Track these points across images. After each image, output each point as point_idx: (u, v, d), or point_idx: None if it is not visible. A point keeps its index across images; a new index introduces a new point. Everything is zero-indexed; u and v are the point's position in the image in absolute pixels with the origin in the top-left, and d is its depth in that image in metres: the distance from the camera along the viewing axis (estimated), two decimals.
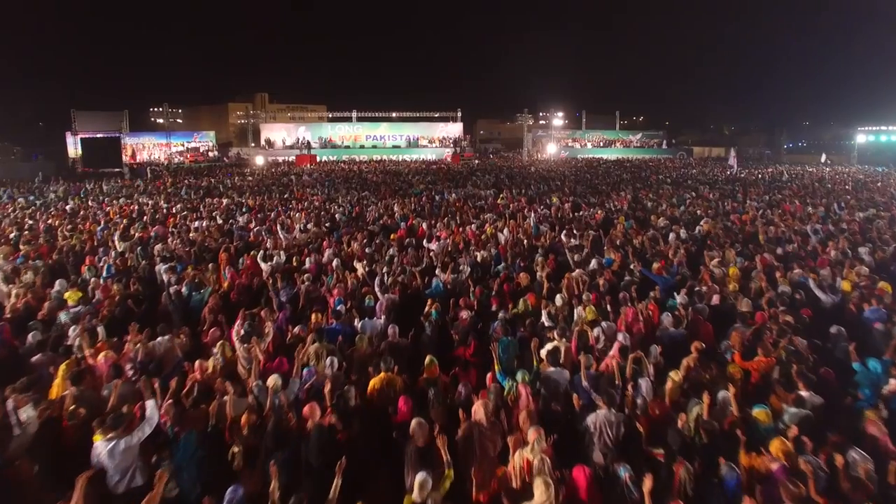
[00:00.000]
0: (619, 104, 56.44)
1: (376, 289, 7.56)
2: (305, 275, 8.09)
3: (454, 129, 50.47)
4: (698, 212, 15.67)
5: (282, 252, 9.62)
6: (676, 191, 21.55)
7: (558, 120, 52.45)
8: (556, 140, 50.78)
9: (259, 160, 41.22)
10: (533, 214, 12.98)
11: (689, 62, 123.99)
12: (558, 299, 7.23)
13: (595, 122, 55.64)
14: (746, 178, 28.05)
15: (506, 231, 11.93)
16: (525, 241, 11.06)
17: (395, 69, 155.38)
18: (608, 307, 7.02)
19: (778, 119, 74.24)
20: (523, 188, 21.57)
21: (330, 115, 54.86)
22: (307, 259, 9.43)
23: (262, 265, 9.17)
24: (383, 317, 6.67)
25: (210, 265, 9.28)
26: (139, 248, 10.51)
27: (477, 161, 42.99)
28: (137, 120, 52.82)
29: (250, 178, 27.94)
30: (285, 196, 19.13)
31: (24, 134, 38.57)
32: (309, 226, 12.76)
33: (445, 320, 6.80)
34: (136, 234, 11.93)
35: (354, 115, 49.32)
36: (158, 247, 10.60)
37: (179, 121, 56.39)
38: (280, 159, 43.15)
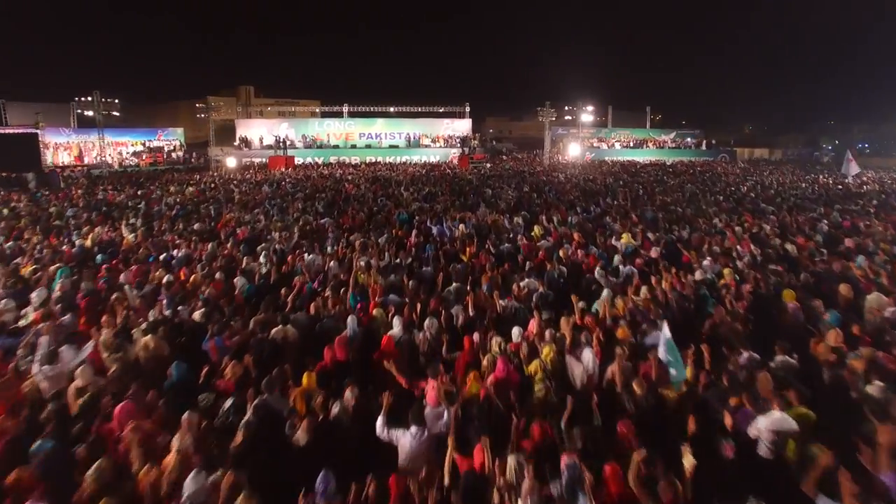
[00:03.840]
0: (637, 101, 49.02)
1: None
2: None
3: (461, 125, 43.14)
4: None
5: None
6: (788, 213, 14.44)
7: (587, 115, 44.38)
8: (579, 139, 43.47)
9: (231, 162, 34.53)
10: (659, 325, 5.62)
11: (703, 59, 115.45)
12: None
13: (619, 119, 48.20)
14: (836, 188, 20.72)
15: (589, 353, 4.98)
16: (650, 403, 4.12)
17: (396, 62, 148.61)
18: None
19: (800, 117, 67.66)
20: (565, 209, 14.46)
21: (321, 111, 47.60)
22: None
23: None
24: None
25: None
26: None
27: (489, 164, 35.80)
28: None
29: (192, 187, 21.03)
30: (195, 226, 12.04)
31: None
32: (145, 325, 5.83)
33: None
34: None
35: (346, 109, 42.14)
36: None
37: (116, 113, 49.09)
38: (257, 161, 36.35)
